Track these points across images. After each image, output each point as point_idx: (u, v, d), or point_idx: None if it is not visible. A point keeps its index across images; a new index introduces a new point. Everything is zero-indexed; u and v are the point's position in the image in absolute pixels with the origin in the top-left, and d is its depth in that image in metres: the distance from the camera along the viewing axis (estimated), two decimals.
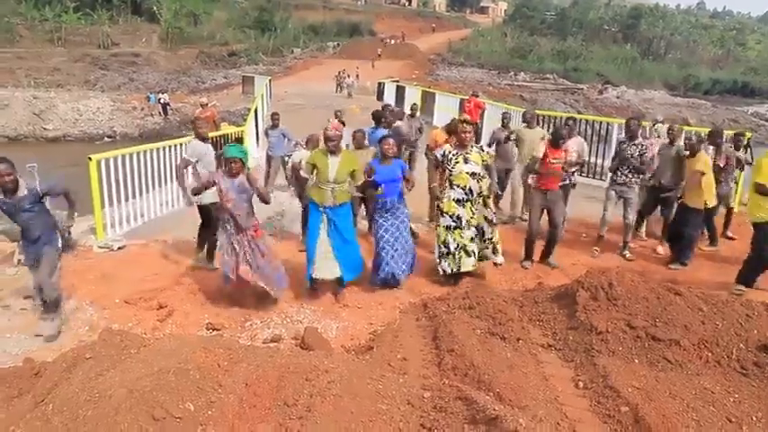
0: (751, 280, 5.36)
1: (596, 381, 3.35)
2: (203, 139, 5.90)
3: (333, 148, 4.88)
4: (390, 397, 2.79)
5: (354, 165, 4.96)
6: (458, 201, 5.28)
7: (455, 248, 5.32)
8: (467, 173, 5.23)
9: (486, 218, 5.45)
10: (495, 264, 5.83)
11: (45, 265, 4.32)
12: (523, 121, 7.81)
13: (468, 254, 5.32)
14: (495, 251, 5.63)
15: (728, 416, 2.98)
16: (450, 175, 5.31)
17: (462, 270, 5.36)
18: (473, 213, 5.31)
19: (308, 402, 2.67)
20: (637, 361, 3.52)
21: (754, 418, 2.97)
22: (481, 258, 5.53)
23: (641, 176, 6.28)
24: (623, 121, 10.40)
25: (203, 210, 5.74)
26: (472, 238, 5.34)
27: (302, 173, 5.08)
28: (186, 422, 2.43)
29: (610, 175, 6.48)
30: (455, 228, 5.30)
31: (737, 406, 3.06)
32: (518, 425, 2.42)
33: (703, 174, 5.84)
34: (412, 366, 3.59)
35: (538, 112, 10.10)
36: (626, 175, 6.21)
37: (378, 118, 7.56)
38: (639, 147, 6.14)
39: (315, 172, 4.93)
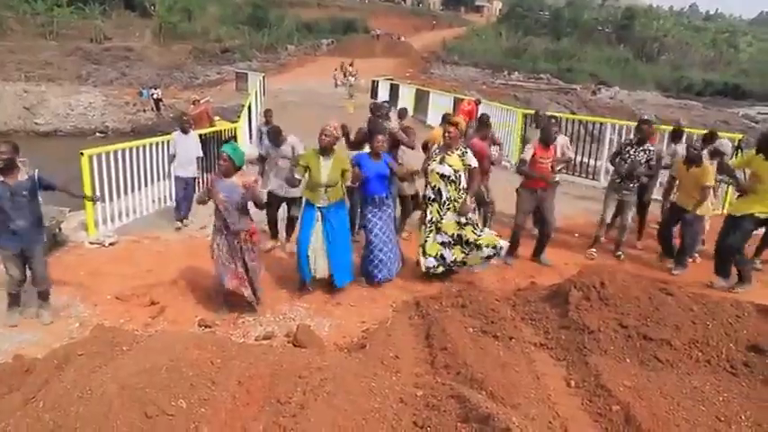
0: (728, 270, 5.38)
1: (588, 379, 3.37)
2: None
3: (327, 150, 4.85)
4: (383, 395, 2.79)
5: (345, 165, 4.96)
6: (425, 197, 5.32)
7: (420, 245, 5.32)
8: (437, 173, 5.17)
9: (458, 223, 5.20)
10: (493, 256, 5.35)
11: (39, 260, 4.59)
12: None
13: (424, 254, 5.26)
14: (484, 250, 5.23)
15: (718, 415, 3.02)
16: (426, 170, 5.35)
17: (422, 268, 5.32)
18: (440, 216, 5.21)
19: (300, 400, 2.67)
20: (628, 360, 3.55)
21: (743, 417, 3.01)
22: (464, 263, 5.34)
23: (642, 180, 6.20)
24: (616, 121, 10.49)
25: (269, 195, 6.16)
26: (442, 243, 5.22)
27: (295, 174, 5.00)
28: (179, 419, 2.43)
29: (614, 178, 6.24)
30: (422, 224, 5.35)
31: (727, 405, 3.10)
32: (510, 423, 2.43)
33: (709, 186, 5.66)
34: (405, 364, 3.60)
35: (528, 111, 10.10)
36: (634, 181, 6.07)
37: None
38: (648, 152, 6.01)
39: (307, 173, 4.90)
